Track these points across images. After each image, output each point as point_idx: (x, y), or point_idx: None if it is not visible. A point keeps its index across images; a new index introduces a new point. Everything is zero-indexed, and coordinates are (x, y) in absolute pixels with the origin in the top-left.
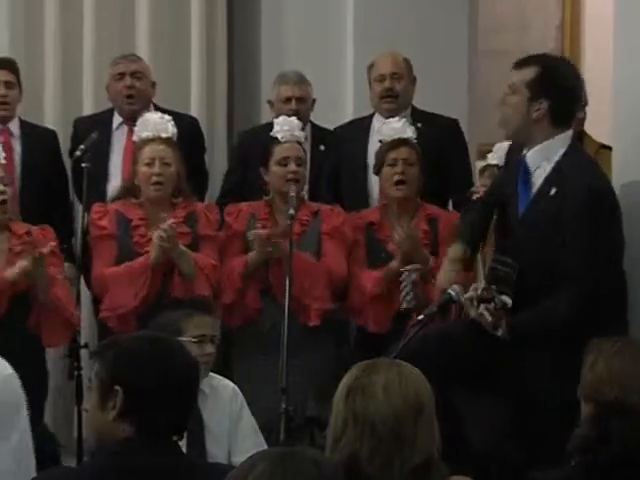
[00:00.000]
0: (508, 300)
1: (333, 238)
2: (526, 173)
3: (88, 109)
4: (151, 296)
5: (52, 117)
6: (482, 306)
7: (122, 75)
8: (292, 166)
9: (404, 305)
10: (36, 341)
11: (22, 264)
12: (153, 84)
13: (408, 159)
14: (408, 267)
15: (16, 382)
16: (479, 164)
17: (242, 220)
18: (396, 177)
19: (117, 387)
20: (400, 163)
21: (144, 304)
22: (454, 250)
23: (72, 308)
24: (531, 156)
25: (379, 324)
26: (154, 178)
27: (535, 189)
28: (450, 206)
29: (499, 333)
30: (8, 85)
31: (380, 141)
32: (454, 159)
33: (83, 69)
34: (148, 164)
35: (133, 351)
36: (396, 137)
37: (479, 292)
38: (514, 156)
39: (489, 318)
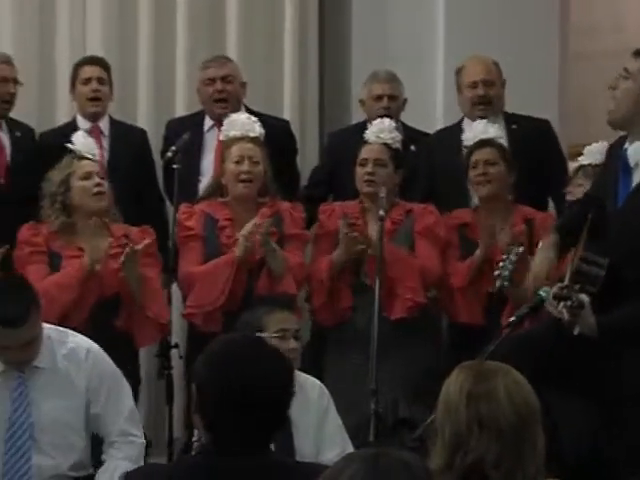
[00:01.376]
0: (586, 299)
1: (426, 237)
2: (626, 168)
3: (180, 110)
4: (237, 294)
5: (145, 119)
6: (561, 304)
7: (212, 80)
8: (368, 167)
9: (498, 284)
10: (125, 343)
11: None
12: (243, 84)
13: (489, 159)
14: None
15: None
16: (571, 165)
17: (334, 220)
18: (477, 178)
19: (193, 385)
20: (481, 164)
21: (229, 302)
22: (548, 239)
23: (159, 308)
24: (633, 150)
25: (471, 314)
26: (243, 176)
27: (634, 184)
28: (550, 206)
29: (575, 332)
30: (100, 81)
31: (466, 147)
32: (550, 159)
33: (175, 71)
34: (237, 162)
35: (211, 353)
36: (477, 139)
37: (556, 290)
38: (615, 152)
39: (566, 316)
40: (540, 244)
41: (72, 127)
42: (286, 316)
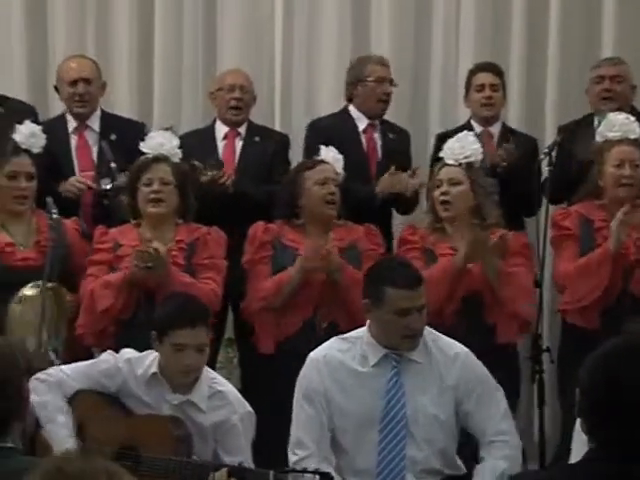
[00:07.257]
0: None
1: None
2: None
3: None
4: (612, 291)
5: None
6: None
7: (602, 78)
8: (626, 169)
9: None
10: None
11: None
12: (633, 87)
13: None
14: None
15: None
16: None
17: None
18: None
19: (577, 390)
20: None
21: (604, 298)
22: None
23: (524, 305)
24: None
25: None
26: (624, 180)
27: None
28: None
29: None
30: (493, 88)
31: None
32: None
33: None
34: (618, 165)
35: (596, 356)
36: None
37: None
38: None
39: None
40: None
41: (468, 129)
42: None
